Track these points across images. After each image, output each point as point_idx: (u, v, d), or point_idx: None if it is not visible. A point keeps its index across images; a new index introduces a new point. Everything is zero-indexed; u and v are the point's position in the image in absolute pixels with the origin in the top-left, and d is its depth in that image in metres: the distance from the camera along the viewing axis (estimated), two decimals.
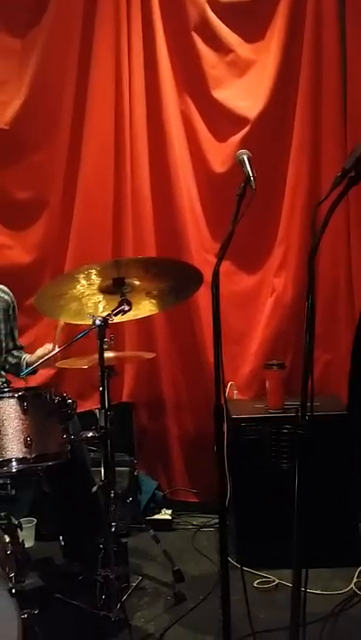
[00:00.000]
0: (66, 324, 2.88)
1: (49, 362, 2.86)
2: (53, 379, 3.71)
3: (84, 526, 2.84)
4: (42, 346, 3.11)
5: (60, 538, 3.15)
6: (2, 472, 2.28)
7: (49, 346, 3.00)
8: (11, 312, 3.28)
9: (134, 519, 3.28)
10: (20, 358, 3.26)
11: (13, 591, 1.95)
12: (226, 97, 3.67)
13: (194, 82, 3.70)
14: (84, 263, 2.54)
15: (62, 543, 3.13)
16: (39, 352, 3.06)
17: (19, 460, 2.23)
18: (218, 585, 2.68)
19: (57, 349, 2.84)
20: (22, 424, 2.25)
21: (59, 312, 2.70)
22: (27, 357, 3.22)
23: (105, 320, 2.43)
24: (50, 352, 2.96)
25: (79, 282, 2.53)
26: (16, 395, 2.28)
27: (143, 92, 3.68)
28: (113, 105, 3.69)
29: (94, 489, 2.66)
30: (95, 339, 2.54)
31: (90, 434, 2.42)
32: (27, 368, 3.18)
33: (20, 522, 2.60)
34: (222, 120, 3.68)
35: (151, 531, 2.94)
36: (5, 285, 3.31)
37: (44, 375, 3.64)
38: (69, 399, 2.44)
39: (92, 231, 3.75)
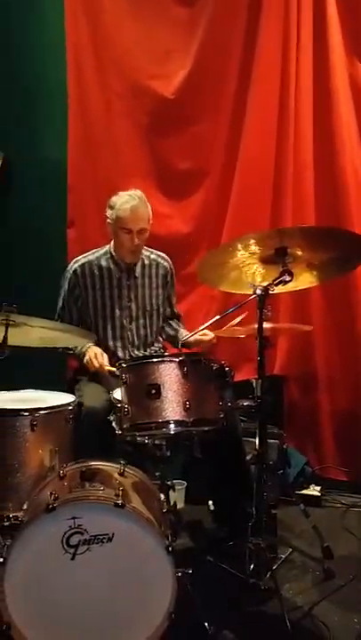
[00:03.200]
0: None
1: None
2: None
3: (235, 494, 2.87)
4: (196, 316, 3.17)
5: (210, 503, 3.23)
6: (160, 433, 2.36)
7: (209, 334, 3.03)
8: (169, 279, 3.36)
9: (283, 492, 3.27)
10: (178, 332, 3.34)
11: (170, 549, 2.00)
12: None
13: None
14: (242, 233, 2.52)
15: (211, 508, 3.20)
16: (197, 336, 3.06)
17: (177, 423, 2.28)
18: None
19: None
20: (182, 388, 2.29)
21: (219, 281, 2.72)
22: (184, 335, 3.29)
23: (266, 290, 2.42)
24: (208, 339, 3.03)
25: (239, 251, 2.52)
26: (176, 359, 2.33)
27: (311, 59, 3.57)
28: (279, 72, 3.62)
29: (248, 457, 2.67)
30: (250, 308, 2.55)
31: (246, 403, 2.42)
32: (182, 346, 3.25)
33: (172, 483, 2.68)
34: None
35: (301, 505, 2.91)
36: (164, 253, 3.39)
37: None
38: (227, 367, 2.45)
39: (251, 201, 3.74)
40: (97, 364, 2.94)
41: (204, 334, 3.02)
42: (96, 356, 2.97)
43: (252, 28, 3.65)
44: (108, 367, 2.95)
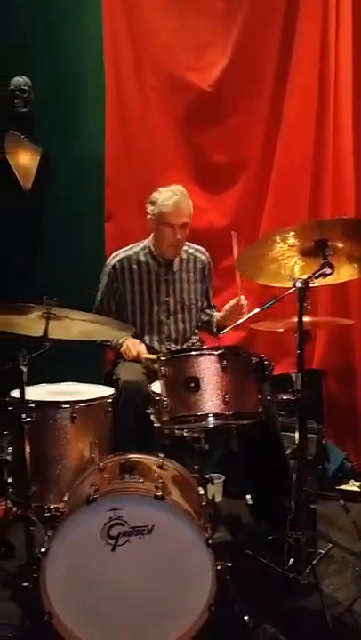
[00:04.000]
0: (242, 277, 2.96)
1: (239, 318, 2.94)
2: (244, 340, 3.73)
3: (274, 488, 2.85)
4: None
5: (248, 497, 3.21)
6: (199, 426, 2.36)
7: (234, 300, 3.06)
8: (206, 272, 3.37)
9: (322, 487, 3.24)
10: (211, 316, 3.35)
11: (209, 542, 2.00)
12: None
13: None
14: (280, 226, 2.50)
15: (249, 502, 3.19)
16: (227, 307, 3.14)
17: (215, 416, 2.27)
18: None
19: (245, 301, 3.01)
20: (221, 381, 2.28)
21: (257, 274, 2.69)
22: (216, 314, 3.31)
23: (306, 283, 2.39)
24: (236, 303, 3.04)
25: (278, 243, 2.49)
26: (215, 352, 2.32)
27: (350, 49, 3.52)
28: (317, 63, 3.57)
29: (288, 452, 2.66)
30: (289, 302, 2.53)
31: (285, 397, 2.40)
32: (217, 325, 3.25)
33: (211, 476, 2.68)
34: None
35: (341, 500, 2.88)
36: (202, 247, 3.38)
37: (235, 336, 3.68)
38: (266, 360, 2.44)
39: (290, 193, 3.70)
40: (134, 352, 2.97)
41: (231, 302, 3.08)
42: (134, 345, 2.99)
43: (290, 18, 3.61)
44: (145, 355, 2.97)
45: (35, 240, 4.12)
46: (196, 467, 2.56)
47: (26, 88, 4.00)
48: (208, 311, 3.40)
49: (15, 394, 2.41)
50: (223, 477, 3.42)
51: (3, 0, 4.05)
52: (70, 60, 4.00)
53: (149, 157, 3.86)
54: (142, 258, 3.22)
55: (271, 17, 3.64)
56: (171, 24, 3.77)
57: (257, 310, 2.70)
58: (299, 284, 2.39)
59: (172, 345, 3.22)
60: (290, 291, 2.46)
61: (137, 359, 2.98)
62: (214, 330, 3.30)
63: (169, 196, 3.12)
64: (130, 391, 2.76)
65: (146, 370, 2.94)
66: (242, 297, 3.07)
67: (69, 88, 4.01)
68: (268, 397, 2.43)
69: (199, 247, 3.37)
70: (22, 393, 2.29)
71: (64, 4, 3.98)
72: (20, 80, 4.00)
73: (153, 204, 3.15)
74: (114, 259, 3.24)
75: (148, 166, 3.84)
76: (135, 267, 3.21)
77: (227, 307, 3.15)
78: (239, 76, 3.72)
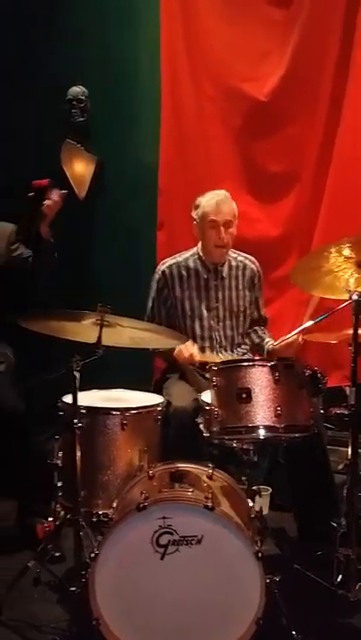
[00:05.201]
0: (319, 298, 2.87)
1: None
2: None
3: (320, 502, 2.81)
4: (285, 321, 3.12)
5: (294, 511, 3.17)
6: (249, 438, 2.34)
7: (293, 338, 2.96)
8: (256, 281, 3.34)
9: None
10: (263, 340, 3.28)
11: (259, 555, 1.98)
12: None
13: None
14: (334, 237, 2.48)
15: (295, 516, 3.15)
16: (283, 342, 3.02)
17: (267, 428, 2.26)
18: None
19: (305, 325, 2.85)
20: (273, 393, 2.27)
21: (312, 285, 2.68)
22: (270, 343, 3.21)
23: None
24: (293, 342, 2.94)
25: (334, 255, 2.47)
26: (269, 364, 2.31)
27: None
28: None
29: (340, 467, 2.62)
30: (342, 314, 2.50)
31: (339, 411, 2.38)
32: (267, 354, 3.18)
33: (259, 488, 2.66)
34: None
35: None
36: (252, 256, 3.37)
37: None
38: (320, 373, 2.41)
39: (343, 205, 3.65)
40: (186, 354, 2.95)
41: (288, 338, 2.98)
42: (187, 346, 2.98)
43: (349, 28, 3.57)
44: (198, 357, 2.96)
45: (88, 248, 4.17)
46: (243, 478, 2.54)
47: (83, 98, 4.06)
48: (260, 332, 3.33)
49: (67, 399, 2.43)
50: (270, 490, 3.38)
51: (60, 12, 4.13)
52: (127, 69, 4.04)
53: (203, 167, 3.86)
54: (191, 264, 3.23)
55: (329, 26, 3.61)
56: (228, 34, 3.77)
57: (311, 323, 2.68)
58: (355, 297, 2.36)
59: (223, 351, 3.21)
60: (345, 303, 2.44)
61: (190, 361, 2.98)
62: (265, 354, 3.24)
63: (211, 197, 3.15)
64: (180, 418, 2.72)
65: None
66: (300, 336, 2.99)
67: (125, 97, 4.05)
68: (322, 410, 2.41)
69: (248, 256, 3.35)
70: (75, 398, 2.31)
71: (121, 14, 4.02)
72: (77, 90, 4.06)
73: (197, 207, 3.18)
74: (163, 265, 3.26)
75: (201, 176, 3.84)
76: (184, 273, 3.22)
77: (283, 342, 3.03)
78: (296, 87, 3.70)
